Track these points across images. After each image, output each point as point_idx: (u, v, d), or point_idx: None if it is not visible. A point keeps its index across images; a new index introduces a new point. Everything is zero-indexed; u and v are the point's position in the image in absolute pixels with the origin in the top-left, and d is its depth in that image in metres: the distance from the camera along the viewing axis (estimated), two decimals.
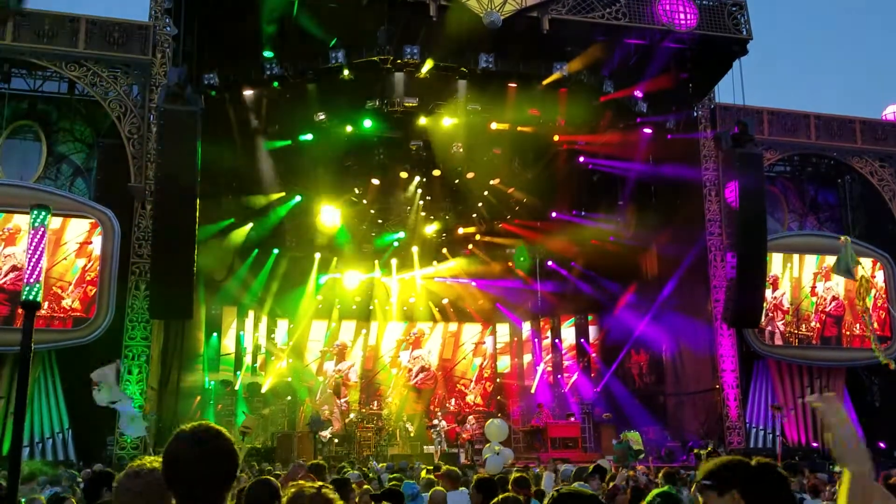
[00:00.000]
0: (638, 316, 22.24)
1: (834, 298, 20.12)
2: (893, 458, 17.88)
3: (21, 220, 15.52)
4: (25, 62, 16.10)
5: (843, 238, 16.85)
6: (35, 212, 3.49)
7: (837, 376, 20.20)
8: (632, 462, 15.88)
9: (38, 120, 17.16)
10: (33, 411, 15.52)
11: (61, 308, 15.46)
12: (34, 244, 3.40)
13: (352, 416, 22.02)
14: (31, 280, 3.36)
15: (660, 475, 9.65)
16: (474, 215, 24.73)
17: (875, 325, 20.17)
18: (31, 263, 3.38)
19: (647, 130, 19.61)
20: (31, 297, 3.30)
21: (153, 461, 2.60)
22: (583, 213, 23.92)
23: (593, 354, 25.67)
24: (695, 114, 19.50)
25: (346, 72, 16.82)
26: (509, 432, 19.10)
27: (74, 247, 15.70)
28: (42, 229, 3.44)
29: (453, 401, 25.72)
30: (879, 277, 20.39)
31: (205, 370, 21.00)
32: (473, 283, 26.13)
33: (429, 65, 16.99)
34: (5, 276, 15.28)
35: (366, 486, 7.50)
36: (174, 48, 15.95)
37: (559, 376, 25.56)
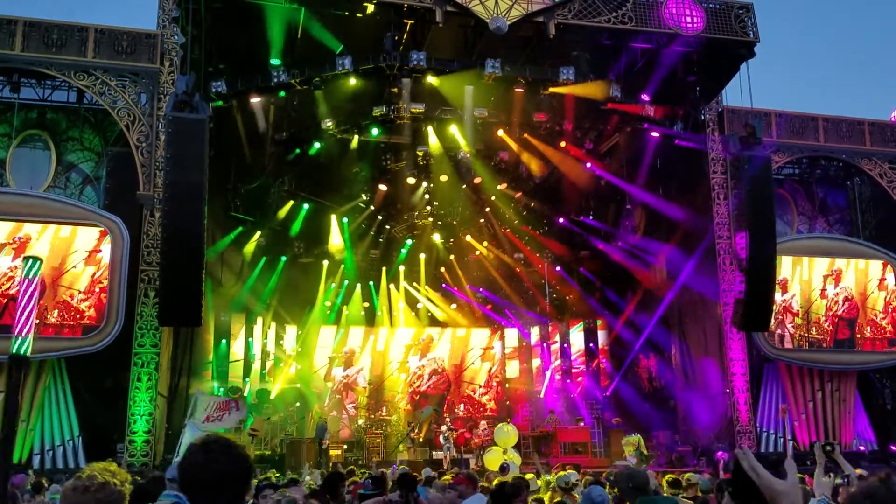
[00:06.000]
0: (647, 319, 22.17)
1: (846, 300, 19.99)
2: None
3: (31, 229, 15.62)
4: (34, 72, 16.18)
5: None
6: (28, 262, 3.16)
7: (849, 379, 20.06)
8: (645, 466, 15.91)
9: (48, 129, 17.25)
10: (43, 419, 15.59)
11: (71, 316, 15.52)
12: (26, 295, 3.08)
13: (360, 421, 22.02)
14: (23, 332, 2.97)
15: (664, 480, 9.57)
16: (482, 220, 24.75)
17: (889, 327, 20.08)
18: (23, 315, 3.00)
19: (655, 134, 19.58)
20: (20, 351, 2.94)
21: (104, 471, 2.50)
22: (591, 218, 23.89)
23: (602, 359, 25.59)
24: (702, 117, 19.44)
25: (352, 79, 16.87)
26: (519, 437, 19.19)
27: (83, 255, 15.77)
28: (35, 280, 3.09)
29: (462, 406, 25.69)
30: (890, 280, 20.28)
31: (214, 377, 21.04)
32: (481, 288, 26.12)
33: (436, 81, 17.07)
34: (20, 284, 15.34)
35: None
36: (182, 57, 16.02)
37: (568, 381, 25.50)
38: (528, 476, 9.50)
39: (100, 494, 2.40)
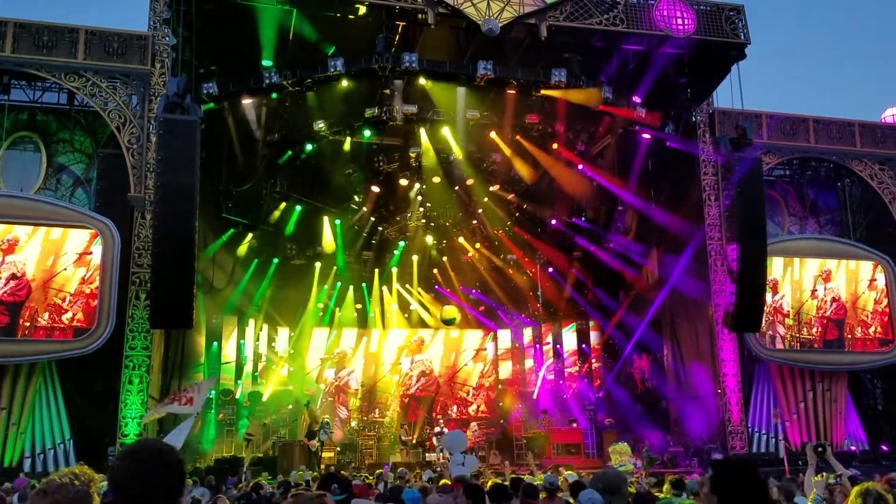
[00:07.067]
0: (638, 321, 22.21)
1: (834, 300, 20.07)
2: None
3: (20, 231, 15.53)
4: (25, 73, 16.10)
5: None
6: None
7: (839, 380, 20.14)
8: (650, 468, 16.01)
9: (38, 131, 17.17)
10: (34, 422, 15.49)
11: (61, 319, 15.43)
12: None
13: (353, 424, 21.99)
14: None
15: (667, 482, 9.59)
16: (474, 222, 24.76)
17: (879, 327, 20.17)
18: None
19: (646, 137, 19.63)
20: None
21: (67, 474, 2.48)
22: (582, 220, 23.94)
23: (594, 360, 25.63)
24: (693, 119, 19.51)
25: (344, 80, 16.86)
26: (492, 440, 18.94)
27: (74, 257, 15.68)
28: None
29: (455, 408, 25.68)
30: (880, 280, 20.37)
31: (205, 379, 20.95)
32: (474, 290, 26.13)
33: (427, 84, 17.07)
34: (5, 285, 15.27)
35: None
36: (173, 58, 15.97)
37: (560, 382, 25.53)
38: (526, 476, 9.50)
39: (57, 496, 2.39)
